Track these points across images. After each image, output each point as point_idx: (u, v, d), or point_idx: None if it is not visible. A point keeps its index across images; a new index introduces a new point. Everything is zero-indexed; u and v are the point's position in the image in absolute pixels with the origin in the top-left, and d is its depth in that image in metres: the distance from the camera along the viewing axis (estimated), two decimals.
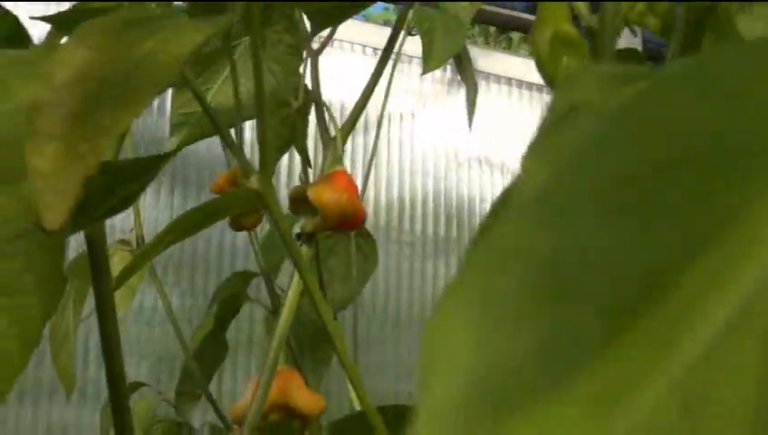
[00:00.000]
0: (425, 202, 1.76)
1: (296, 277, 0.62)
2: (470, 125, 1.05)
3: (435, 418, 0.12)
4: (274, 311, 0.97)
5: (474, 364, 0.12)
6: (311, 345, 0.96)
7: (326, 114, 0.72)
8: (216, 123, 0.58)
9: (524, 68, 1.79)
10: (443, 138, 1.78)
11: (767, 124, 0.12)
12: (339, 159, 0.66)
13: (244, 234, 1.51)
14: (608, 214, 0.13)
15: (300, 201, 0.64)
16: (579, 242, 0.12)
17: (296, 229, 0.65)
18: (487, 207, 1.73)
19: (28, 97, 0.46)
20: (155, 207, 1.46)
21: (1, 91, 0.47)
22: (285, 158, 1.59)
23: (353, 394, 0.73)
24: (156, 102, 1.50)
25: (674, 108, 0.13)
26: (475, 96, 1.07)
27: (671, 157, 0.12)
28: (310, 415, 0.70)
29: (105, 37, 0.41)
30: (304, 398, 0.70)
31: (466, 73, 1.09)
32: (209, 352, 0.99)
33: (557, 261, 0.12)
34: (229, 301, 0.99)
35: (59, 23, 0.57)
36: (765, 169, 0.12)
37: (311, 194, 0.63)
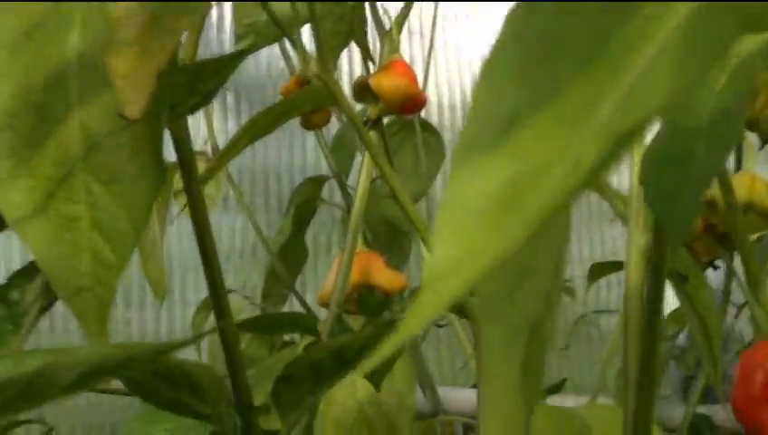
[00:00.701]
0: None
1: (367, 158, 0.68)
2: None
3: (473, 137, 0.19)
4: (349, 210, 1.01)
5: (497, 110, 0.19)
6: (387, 242, 1.02)
7: (380, 9, 0.77)
8: (280, 24, 0.64)
9: None
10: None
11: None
12: (395, 49, 0.72)
13: (312, 148, 1.57)
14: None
15: (363, 90, 0.70)
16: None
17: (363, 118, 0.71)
18: None
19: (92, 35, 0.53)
20: (223, 128, 1.53)
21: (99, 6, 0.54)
22: (346, 63, 1.64)
23: None
24: (215, 19, 1.56)
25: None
26: None
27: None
28: (392, 291, 0.77)
29: None
30: (385, 276, 0.76)
31: None
32: (291, 255, 1.07)
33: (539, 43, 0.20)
34: (305, 204, 1.05)
35: None
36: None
37: (372, 82, 0.69)
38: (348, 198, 1.05)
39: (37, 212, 0.50)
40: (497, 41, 0.21)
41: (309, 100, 0.64)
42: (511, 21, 0.21)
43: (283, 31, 0.62)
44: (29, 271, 0.66)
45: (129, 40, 0.46)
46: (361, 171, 0.69)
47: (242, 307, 1.13)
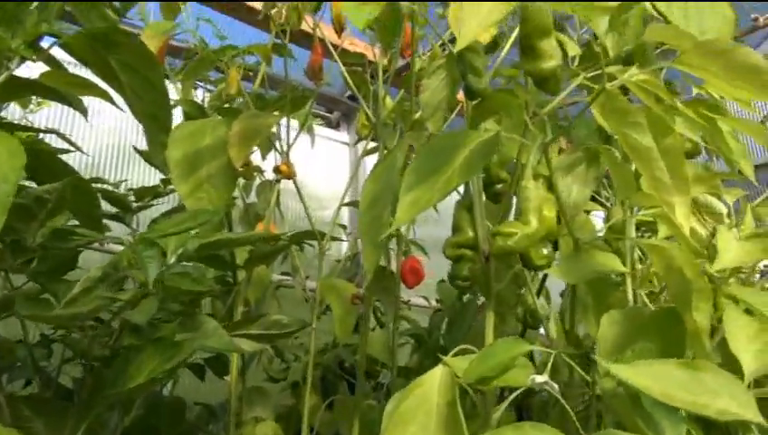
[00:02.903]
0: None
1: None
2: None
3: (407, 187, 0.92)
4: None
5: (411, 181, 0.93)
6: None
7: None
8: None
9: None
10: None
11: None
12: None
13: None
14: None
15: None
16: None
17: None
18: None
19: (216, 138, 1.28)
20: None
21: (202, 134, 1.32)
22: None
23: None
24: None
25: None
26: None
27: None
28: None
29: (244, 117, 1.25)
30: None
31: None
32: None
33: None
34: None
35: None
36: None
37: None
38: None
39: None
40: (413, 163, 0.90)
41: None
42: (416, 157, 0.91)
43: None
44: None
45: (232, 142, 1.25)
46: None
47: None
